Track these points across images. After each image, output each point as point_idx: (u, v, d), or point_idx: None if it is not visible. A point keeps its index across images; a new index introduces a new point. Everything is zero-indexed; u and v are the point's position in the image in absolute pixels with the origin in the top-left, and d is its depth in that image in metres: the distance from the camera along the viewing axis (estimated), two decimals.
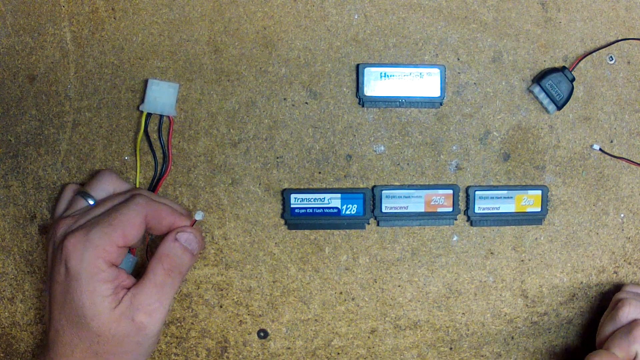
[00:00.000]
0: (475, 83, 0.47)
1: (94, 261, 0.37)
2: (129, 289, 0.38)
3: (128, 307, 0.37)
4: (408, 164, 0.47)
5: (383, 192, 0.47)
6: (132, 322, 0.37)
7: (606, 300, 0.50)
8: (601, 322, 0.45)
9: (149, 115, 0.44)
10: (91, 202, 0.41)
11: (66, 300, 0.37)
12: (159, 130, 0.45)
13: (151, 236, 0.45)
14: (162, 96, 0.44)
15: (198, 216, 0.42)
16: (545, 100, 0.47)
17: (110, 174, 0.43)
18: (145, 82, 0.45)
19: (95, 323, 0.37)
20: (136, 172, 0.45)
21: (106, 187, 0.42)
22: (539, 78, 0.47)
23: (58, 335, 0.38)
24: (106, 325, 0.37)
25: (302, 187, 0.47)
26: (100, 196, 0.42)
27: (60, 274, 0.38)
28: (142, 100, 0.45)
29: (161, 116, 0.45)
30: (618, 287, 0.50)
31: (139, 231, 0.39)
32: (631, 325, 0.42)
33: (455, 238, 0.48)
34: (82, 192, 0.41)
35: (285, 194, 0.46)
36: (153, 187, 0.45)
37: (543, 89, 0.47)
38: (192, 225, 0.41)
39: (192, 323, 0.47)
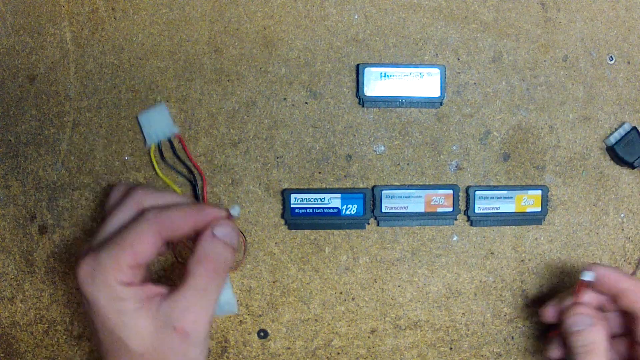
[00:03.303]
0: (475, 83, 0.47)
1: (106, 283, 0.34)
2: (166, 295, 0.36)
3: (167, 316, 0.35)
4: (408, 164, 0.47)
5: (383, 192, 0.47)
6: (173, 331, 0.35)
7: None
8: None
9: (157, 146, 0.45)
10: None
11: (98, 329, 0.35)
12: (174, 152, 0.45)
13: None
14: (155, 123, 0.44)
15: (234, 212, 0.38)
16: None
17: (118, 185, 0.41)
18: (137, 119, 0.45)
19: (133, 342, 0.34)
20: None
21: (114, 199, 0.40)
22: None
23: None
24: (146, 341, 0.34)
25: (302, 187, 0.47)
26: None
27: (83, 304, 0.36)
28: (144, 139, 0.45)
29: (168, 139, 0.45)
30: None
31: (152, 247, 0.36)
32: None
33: (455, 238, 0.48)
34: (102, 216, 0.40)
35: (285, 194, 0.46)
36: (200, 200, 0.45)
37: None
38: (228, 218, 0.38)
39: None
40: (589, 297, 0.42)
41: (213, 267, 0.36)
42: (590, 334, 0.40)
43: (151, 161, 0.45)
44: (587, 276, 0.40)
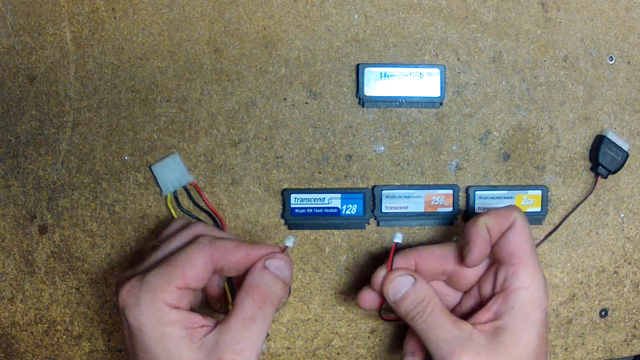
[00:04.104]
0: (475, 83, 0.47)
1: (152, 304, 0.33)
2: (212, 327, 0.35)
3: (213, 348, 0.33)
4: (408, 164, 0.47)
5: (383, 192, 0.47)
6: None
7: (606, 300, 0.50)
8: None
9: (173, 195, 0.45)
10: None
11: (138, 357, 0.34)
12: (191, 199, 0.45)
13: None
14: (170, 173, 0.45)
15: (288, 242, 0.38)
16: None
17: (176, 220, 0.41)
18: (150, 170, 0.45)
19: None
20: None
21: (170, 231, 0.40)
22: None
23: None
24: None
25: (302, 187, 0.47)
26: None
27: (124, 329, 0.34)
28: (160, 188, 0.45)
29: (184, 188, 0.45)
30: (617, 286, 0.50)
31: (202, 271, 0.35)
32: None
33: (455, 238, 0.48)
34: (152, 244, 0.40)
35: (285, 194, 0.46)
36: None
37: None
38: (282, 252, 0.37)
39: None
40: (403, 262, 0.38)
41: (261, 298, 0.35)
42: (417, 291, 0.37)
43: (169, 209, 0.45)
44: (397, 238, 0.38)
